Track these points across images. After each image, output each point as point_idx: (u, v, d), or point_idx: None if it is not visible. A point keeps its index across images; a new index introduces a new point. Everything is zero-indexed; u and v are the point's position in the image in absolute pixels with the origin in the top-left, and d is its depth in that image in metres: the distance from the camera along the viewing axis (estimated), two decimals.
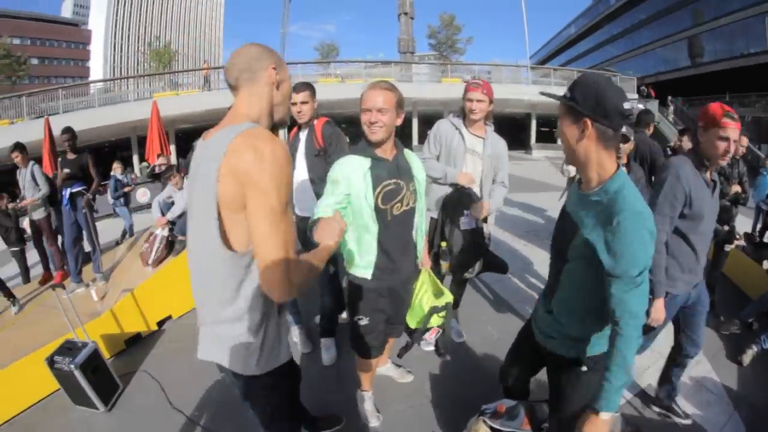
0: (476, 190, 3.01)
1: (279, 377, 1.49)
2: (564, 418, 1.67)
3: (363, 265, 2.15)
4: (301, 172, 3.08)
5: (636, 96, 25.17)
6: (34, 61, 56.51)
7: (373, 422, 2.63)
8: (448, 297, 2.40)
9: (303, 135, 3.10)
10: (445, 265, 2.93)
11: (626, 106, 1.33)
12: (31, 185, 5.39)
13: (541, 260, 5.49)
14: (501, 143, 3.07)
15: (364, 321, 2.25)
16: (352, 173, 2.02)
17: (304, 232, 2.05)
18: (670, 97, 25.41)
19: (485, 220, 3.06)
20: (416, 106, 23.52)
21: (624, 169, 3.36)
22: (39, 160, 6.89)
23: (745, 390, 2.96)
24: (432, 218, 3.08)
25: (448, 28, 43.58)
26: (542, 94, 1.66)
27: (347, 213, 2.07)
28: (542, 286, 4.44)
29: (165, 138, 8.70)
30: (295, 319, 3.56)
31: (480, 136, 2.99)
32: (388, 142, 2.09)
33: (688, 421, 2.63)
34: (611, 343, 1.36)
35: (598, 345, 1.54)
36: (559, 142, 1.52)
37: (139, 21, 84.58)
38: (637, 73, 29.43)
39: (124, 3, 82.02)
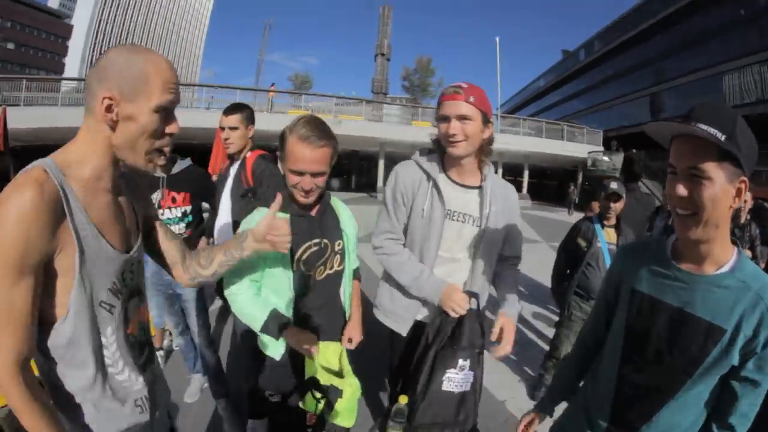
0: (464, 275, 1.86)
1: None
2: None
3: (268, 341, 1.66)
4: (224, 215, 2.54)
5: (602, 148, 26.24)
6: (11, 46, 54.21)
7: None
8: (340, 383, 1.59)
9: (233, 169, 2.56)
10: None
11: None
12: None
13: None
14: (509, 192, 1.90)
15: (275, 398, 1.79)
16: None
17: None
18: (634, 150, 26.60)
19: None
20: (384, 147, 23.35)
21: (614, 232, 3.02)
22: None
23: None
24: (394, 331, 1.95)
25: (423, 71, 44.38)
26: (679, 121, 1.00)
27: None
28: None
29: None
30: (219, 390, 2.85)
31: (472, 186, 1.81)
32: None
33: None
34: None
35: None
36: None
37: (123, 25, 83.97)
38: (601, 127, 30.95)
39: (111, 3, 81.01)
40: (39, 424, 0.90)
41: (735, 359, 1.03)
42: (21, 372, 0.89)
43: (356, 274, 1.96)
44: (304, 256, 1.65)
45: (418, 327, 1.88)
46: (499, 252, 1.89)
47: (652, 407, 1.14)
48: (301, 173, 1.53)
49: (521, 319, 5.06)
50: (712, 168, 0.95)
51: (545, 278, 3.73)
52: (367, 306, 1.99)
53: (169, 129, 1.08)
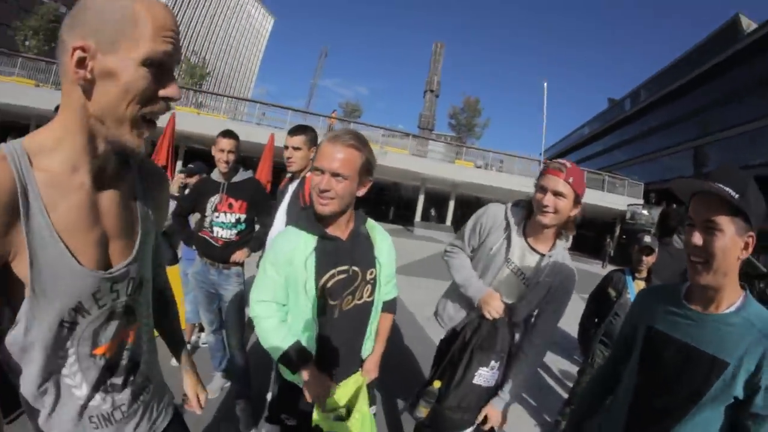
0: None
1: None
2: None
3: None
4: (278, 230, 2.56)
5: (641, 201, 25.55)
6: None
7: None
8: (355, 410, 1.58)
9: (292, 187, 2.66)
10: (424, 410, 2.02)
11: None
12: None
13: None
14: (568, 272, 1.94)
15: (291, 421, 1.76)
16: (293, 255, 1.52)
17: None
18: (674, 205, 25.54)
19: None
20: (425, 183, 23.58)
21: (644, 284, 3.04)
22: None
23: None
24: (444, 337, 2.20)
25: (471, 111, 44.34)
26: (702, 179, 1.18)
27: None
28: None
29: (172, 151, 8.30)
30: (242, 391, 2.93)
31: (539, 252, 1.93)
32: (343, 215, 1.56)
33: None
34: None
35: None
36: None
37: (185, 34, 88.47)
38: (642, 179, 29.76)
39: (177, 10, 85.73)
40: None
41: (739, 392, 1.11)
42: None
43: (391, 307, 1.90)
44: (329, 285, 1.54)
45: (456, 331, 2.10)
46: (532, 315, 2.04)
47: (663, 431, 1.22)
48: (321, 171, 1.45)
49: (543, 366, 4.94)
50: (725, 222, 1.10)
51: (572, 329, 3.69)
52: (394, 337, 2.06)
53: (164, 92, 0.81)
